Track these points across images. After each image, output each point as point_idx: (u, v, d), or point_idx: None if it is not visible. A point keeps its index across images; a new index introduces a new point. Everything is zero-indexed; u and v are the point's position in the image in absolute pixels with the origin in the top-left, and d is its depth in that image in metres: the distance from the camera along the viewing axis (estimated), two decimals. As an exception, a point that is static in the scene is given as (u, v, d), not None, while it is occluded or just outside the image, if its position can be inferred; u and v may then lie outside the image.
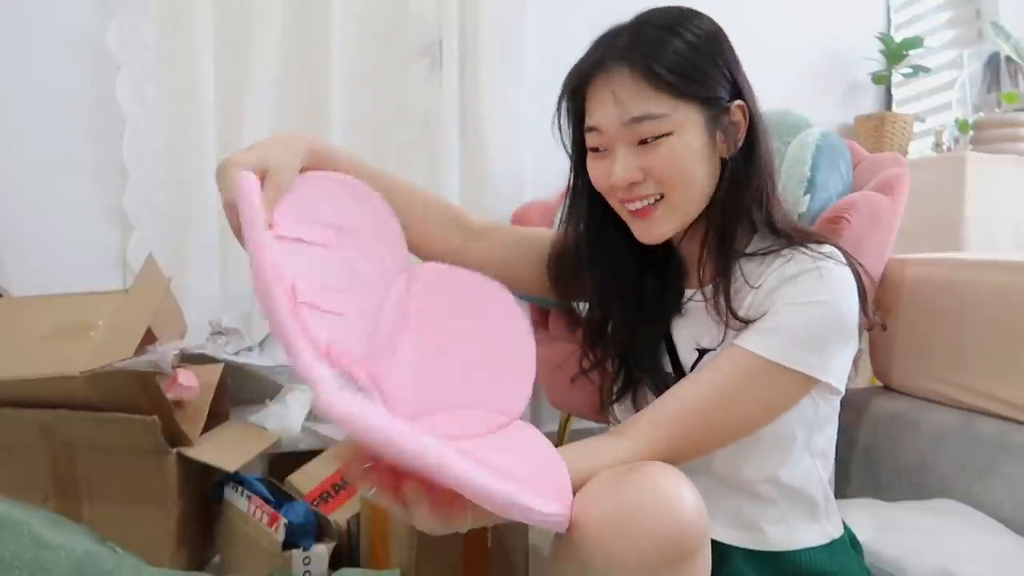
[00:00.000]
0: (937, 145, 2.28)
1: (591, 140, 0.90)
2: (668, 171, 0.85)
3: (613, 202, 0.91)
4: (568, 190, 0.98)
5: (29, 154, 1.69)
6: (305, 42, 1.81)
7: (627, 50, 0.85)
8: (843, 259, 0.87)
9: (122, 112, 1.71)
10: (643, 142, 0.85)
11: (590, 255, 0.97)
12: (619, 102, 0.84)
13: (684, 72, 0.84)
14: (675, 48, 0.85)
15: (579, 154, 0.95)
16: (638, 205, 0.87)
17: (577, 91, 0.90)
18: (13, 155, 1.68)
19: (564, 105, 0.93)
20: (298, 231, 0.74)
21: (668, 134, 0.84)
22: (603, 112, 0.86)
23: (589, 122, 0.89)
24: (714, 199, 0.89)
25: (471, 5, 1.86)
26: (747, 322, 0.85)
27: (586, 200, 0.95)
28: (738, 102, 0.88)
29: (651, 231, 0.89)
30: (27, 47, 1.68)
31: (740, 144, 0.88)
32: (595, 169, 0.91)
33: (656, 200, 0.87)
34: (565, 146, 0.96)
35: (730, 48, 0.89)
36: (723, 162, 0.89)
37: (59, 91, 1.70)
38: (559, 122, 0.94)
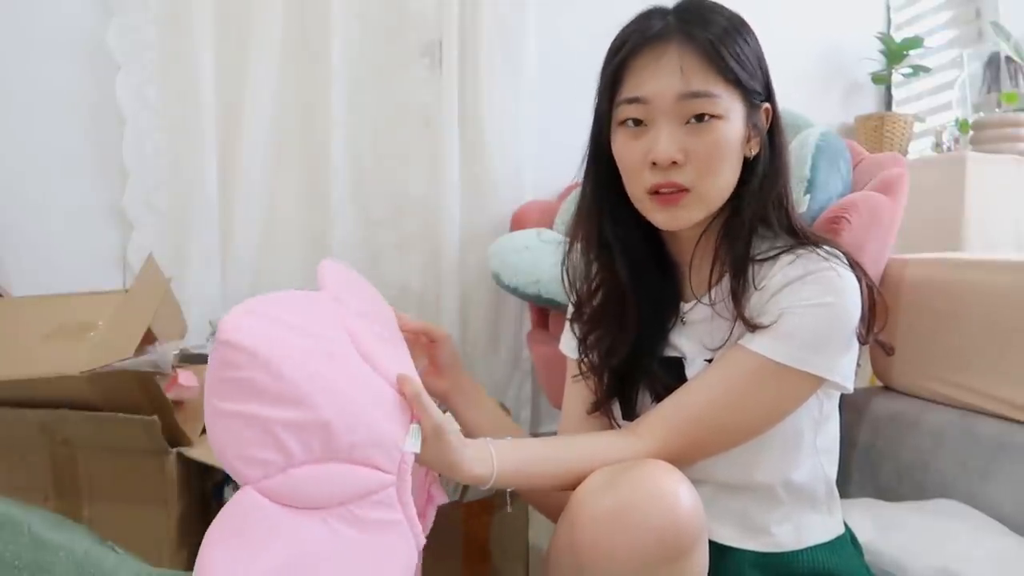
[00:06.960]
0: (937, 145, 2.29)
1: (631, 111, 0.86)
2: (710, 156, 0.84)
3: (635, 187, 0.88)
4: (586, 163, 0.95)
5: (29, 154, 1.68)
6: (305, 42, 1.81)
7: (688, 25, 0.84)
8: (846, 261, 0.87)
9: (122, 112, 1.70)
10: (689, 122, 0.84)
11: (607, 235, 0.94)
12: (682, 72, 0.82)
13: (739, 59, 0.84)
14: (729, 34, 0.85)
15: (602, 132, 0.92)
16: (668, 190, 0.85)
17: (624, 62, 0.86)
18: (13, 155, 1.67)
19: (606, 75, 0.89)
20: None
21: (718, 117, 0.83)
22: (658, 81, 0.83)
23: (634, 92, 0.85)
24: (739, 200, 0.88)
25: (471, 5, 1.86)
26: (754, 324, 0.85)
27: (605, 167, 0.92)
28: (766, 105, 0.89)
29: (677, 218, 0.87)
30: (27, 47, 1.67)
31: (761, 147, 0.89)
32: (627, 146, 0.87)
33: (683, 191, 0.85)
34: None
35: (762, 51, 0.89)
36: (744, 162, 0.89)
37: (59, 91, 1.70)
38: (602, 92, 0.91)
